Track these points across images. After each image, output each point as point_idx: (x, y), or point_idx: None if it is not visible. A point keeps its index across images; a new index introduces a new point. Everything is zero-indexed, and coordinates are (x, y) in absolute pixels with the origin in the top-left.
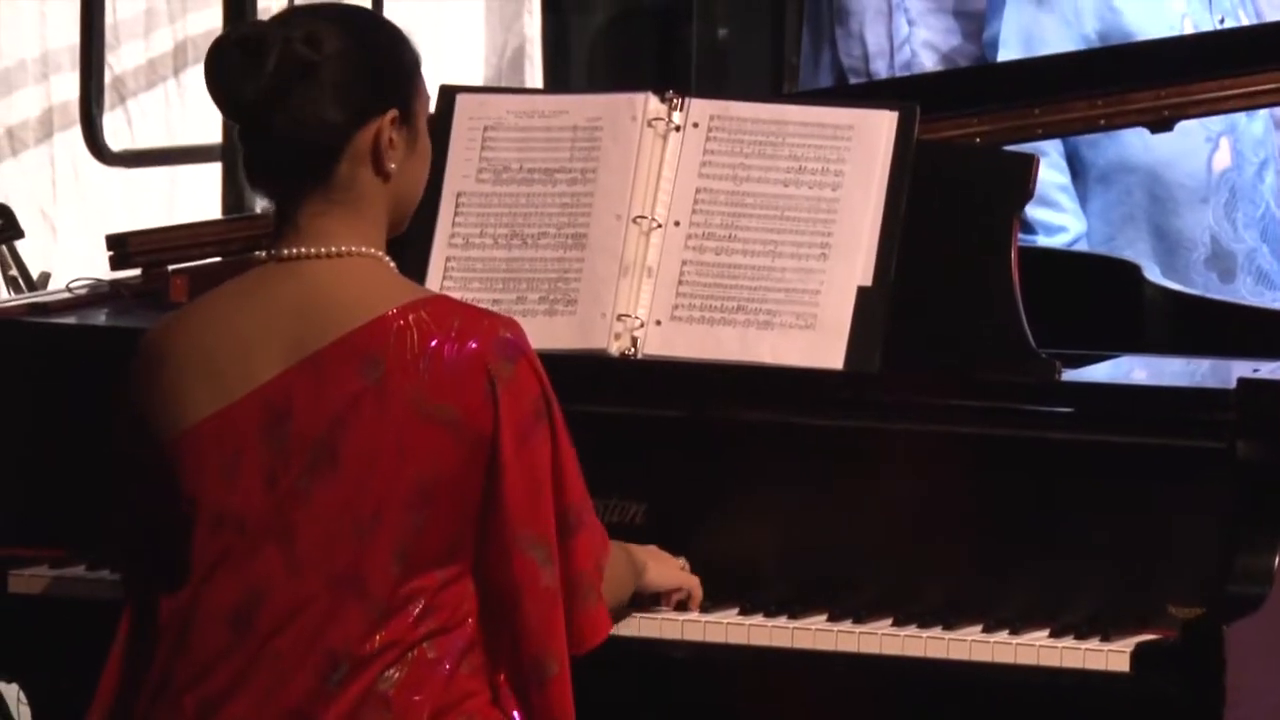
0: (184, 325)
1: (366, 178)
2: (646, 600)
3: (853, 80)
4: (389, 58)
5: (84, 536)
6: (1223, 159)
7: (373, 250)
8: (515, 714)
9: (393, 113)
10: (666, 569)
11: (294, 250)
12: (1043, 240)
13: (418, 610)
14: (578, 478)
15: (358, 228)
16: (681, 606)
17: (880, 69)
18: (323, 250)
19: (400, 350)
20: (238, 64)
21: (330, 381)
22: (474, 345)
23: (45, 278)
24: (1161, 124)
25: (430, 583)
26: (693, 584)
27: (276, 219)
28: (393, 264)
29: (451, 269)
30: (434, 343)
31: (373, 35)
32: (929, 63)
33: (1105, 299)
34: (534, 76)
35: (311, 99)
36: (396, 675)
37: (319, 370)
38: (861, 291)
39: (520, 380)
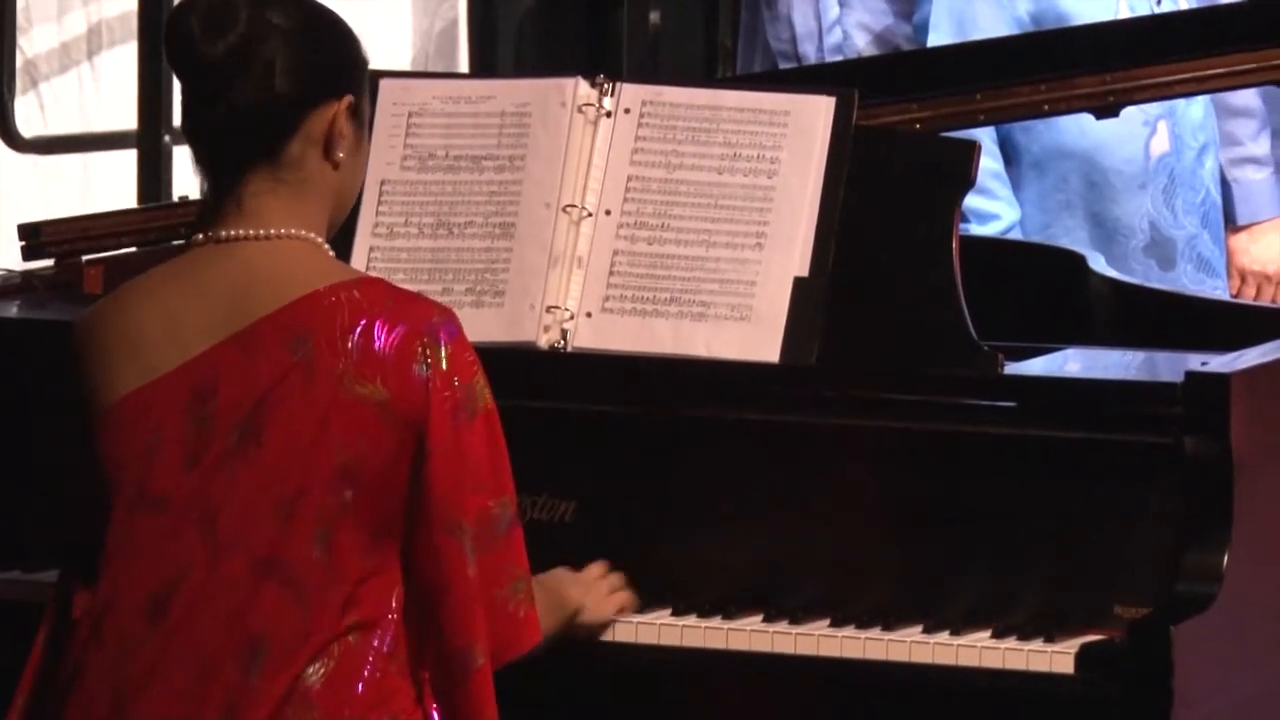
0: (116, 305)
1: (315, 161)
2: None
3: (782, 64)
4: (348, 46)
5: (19, 539)
6: (1160, 144)
7: (309, 234)
8: (434, 714)
9: (349, 99)
10: (597, 599)
11: (231, 232)
12: (975, 229)
13: (342, 600)
14: (509, 473)
15: (298, 211)
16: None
17: (809, 51)
18: (260, 232)
19: (329, 327)
20: (207, 22)
21: (258, 358)
22: (406, 327)
23: None
24: (1107, 110)
25: (355, 572)
26: (627, 600)
27: (215, 197)
28: (330, 249)
29: (375, 259)
30: (364, 322)
31: (333, 21)
32: (861, 44)
33: (1049, 290)
34: (463, 60)
35: (276, 66)
36: (322, 671)
37: (247, 347)
38: (798, 282)
39: (454, 365)
